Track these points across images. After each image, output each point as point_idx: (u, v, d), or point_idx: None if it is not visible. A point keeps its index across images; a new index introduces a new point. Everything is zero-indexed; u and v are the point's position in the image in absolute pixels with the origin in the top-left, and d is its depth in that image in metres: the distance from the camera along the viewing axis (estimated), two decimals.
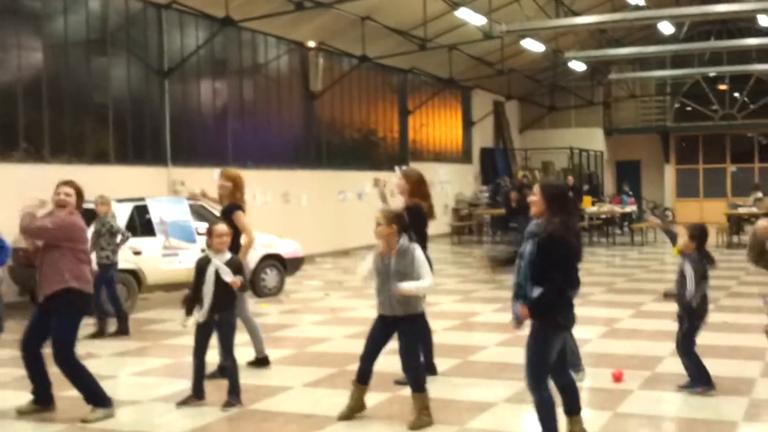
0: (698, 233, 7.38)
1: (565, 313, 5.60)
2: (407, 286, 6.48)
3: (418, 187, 8.23)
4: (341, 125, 23.18)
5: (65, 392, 7.30)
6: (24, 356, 7.12)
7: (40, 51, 14.66)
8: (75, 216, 7.07)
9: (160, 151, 16.92)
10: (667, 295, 7.85)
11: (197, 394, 7.30)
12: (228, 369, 7.31)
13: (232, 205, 8.50)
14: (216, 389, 7.38)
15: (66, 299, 6.87)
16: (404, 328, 6.61)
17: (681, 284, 7.34)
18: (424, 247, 7.61)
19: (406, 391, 6.88)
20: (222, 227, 7.43)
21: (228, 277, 7.12)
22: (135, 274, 12.65)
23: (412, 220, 7.13)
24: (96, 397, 7.03)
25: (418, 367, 6.76)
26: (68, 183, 7.17)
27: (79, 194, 7.14)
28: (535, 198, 5.62)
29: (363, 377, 6.79)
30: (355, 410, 6.79)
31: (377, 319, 6.74)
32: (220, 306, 7.17)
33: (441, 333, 9.94)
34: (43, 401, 7.18)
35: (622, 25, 25.04)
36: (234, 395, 7.24)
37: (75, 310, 6.98)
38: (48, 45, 14.76)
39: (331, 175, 22.03)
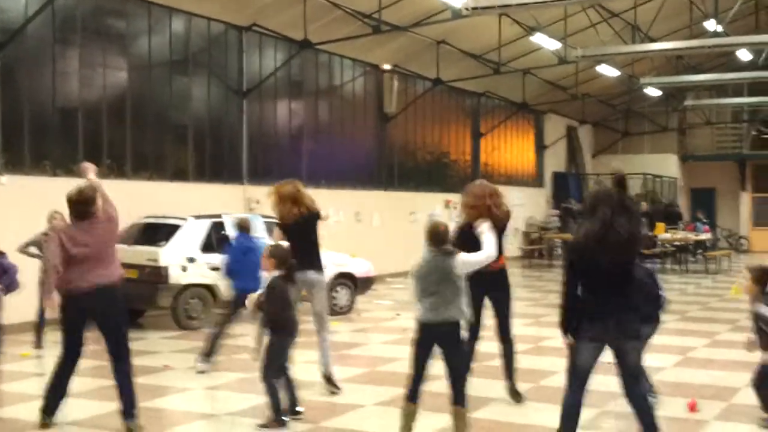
0: (763, 276, 7.20)
1: (585, 322, 5.64)
2: None
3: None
4: (414, 147, 23.34)
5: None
6: None
7: (125, 70, 15.12)
8: None
9: (237, 170, 17.26)
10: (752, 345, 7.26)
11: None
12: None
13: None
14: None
15: None
16: None
17: (761, 332, 7.10)
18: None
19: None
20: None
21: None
22: (210, 289, 12.93)
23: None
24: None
25: None
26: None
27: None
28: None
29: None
30: None
31: None
32: None
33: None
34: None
35: (700, 52, 24.71)
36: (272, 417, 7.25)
37: None
38: (132, 65, 15.22)
39: (403, 195, 22.18)
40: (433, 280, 6.48)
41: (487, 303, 8.06)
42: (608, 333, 5.63)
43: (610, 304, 5.60)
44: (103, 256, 7.04)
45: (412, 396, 6.63)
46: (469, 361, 7.61)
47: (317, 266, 8.47)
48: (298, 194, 8.53)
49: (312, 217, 8.53)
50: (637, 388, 5.85)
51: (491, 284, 7.87)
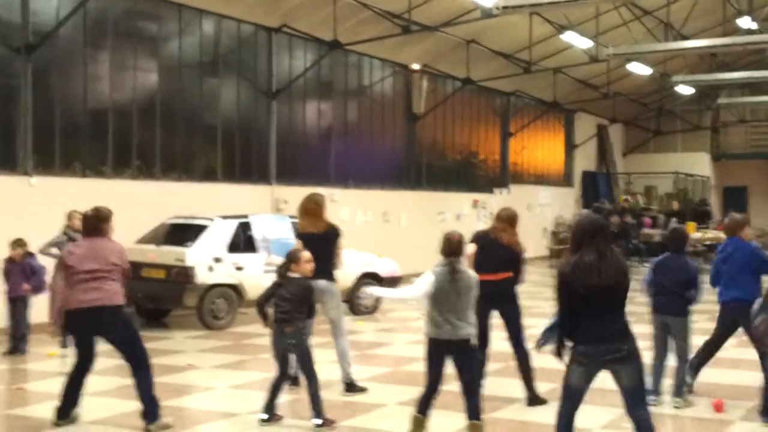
0: None
1: (580, 346, 5.41)
2: None
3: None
4: (442, 147, 23.31)
5: None
6: None
7: (155, 72, 15.25)
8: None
9: (265, 170, 17.35)
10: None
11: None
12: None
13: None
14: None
15: None
16: None
17: None
18: None
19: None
20: None
21: None
22: (236, 289, 13.00)
23: None
24: None
25: None
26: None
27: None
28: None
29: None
30: None
31: None
32: None
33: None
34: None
35: (733, 50, 24.42)
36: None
37: None
38: (162, 67, 15.35)
39: (431, 195, 22.16)
40: (442, 295, 6.61)
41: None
42: (594, 357, 5.39)
43: (596, 328, 5.36)
44: (103, 277, 7.13)
45: (420, 407, 6.65)
46: (480, 372, 7.59)
47: (328, 275, 8.45)
48: (319, 210, 8.68)
49: (331, 234, 8.62)
50: (638, 409, 5.49)
51: (496, 295, 7.92)
